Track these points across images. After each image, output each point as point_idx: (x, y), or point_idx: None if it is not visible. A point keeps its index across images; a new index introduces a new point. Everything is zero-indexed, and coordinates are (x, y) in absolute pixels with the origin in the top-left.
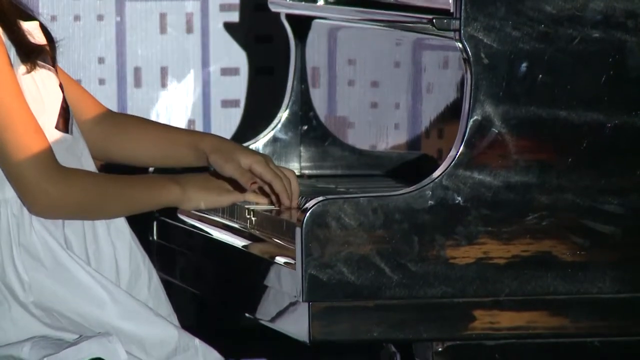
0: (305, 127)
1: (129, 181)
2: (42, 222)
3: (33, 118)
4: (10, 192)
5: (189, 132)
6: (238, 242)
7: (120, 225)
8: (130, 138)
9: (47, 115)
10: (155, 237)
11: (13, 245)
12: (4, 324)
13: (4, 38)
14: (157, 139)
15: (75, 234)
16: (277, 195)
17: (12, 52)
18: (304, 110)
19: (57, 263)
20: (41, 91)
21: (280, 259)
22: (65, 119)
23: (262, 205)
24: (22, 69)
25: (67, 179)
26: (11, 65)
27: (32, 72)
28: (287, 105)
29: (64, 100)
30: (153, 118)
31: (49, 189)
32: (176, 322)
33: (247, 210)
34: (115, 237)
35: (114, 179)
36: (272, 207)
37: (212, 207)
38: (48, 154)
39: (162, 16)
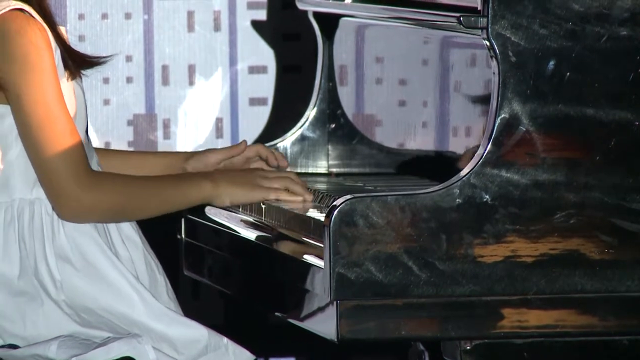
0: (333, 125)
1: (161, 181)
2: (73, 223)
3: (71, 121)
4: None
5: (158, 154)
6: (266, 240)
7: (130, 233)
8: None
9: (77, 122)
10: (183, 236)
11: (46, 244)
12: (36, 319)
13: (52, 40)
14: (123, 167)
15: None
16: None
17: (57, 55)
18: (332, 108)
19: (87, 263)
20: (77, 98)
21: (308, 258)
22: (87, 129)
23: (292, 199)
24: (64, 74)
25: (98, 184)
26: (56, 68)
27: (70, 80)
28: (315, 103)
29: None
30: (180, 117)
31: (80, 194)
32: None
33: (274, 209)
34: (128, 244)
35: (145, 180)
36: (292, 200)
37: (244, 202)
38: (82, 158)
39: (190, 14)
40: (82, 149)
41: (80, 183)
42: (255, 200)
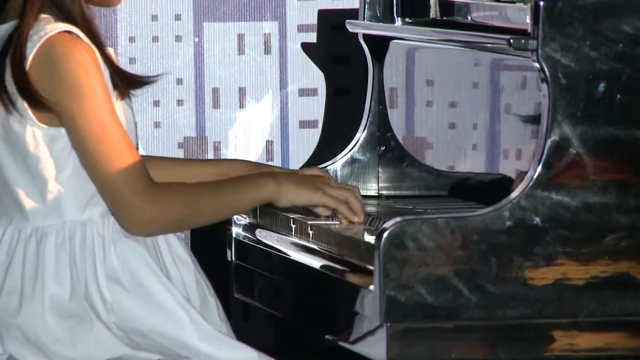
0: (383, 148)
1: (223, 185)
2: (124, 244)
3: (127, 136)
4: (97, 212)
5: (214, 162)
6: (316, 263)
7: (181, 252)
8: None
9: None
10: (233, 258)
11: (97, 265)
12: (87, 341)
13: (100, 61)
14: (181, 176)
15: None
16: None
17: (106, 75)
18: (382, 131)
19: (137, 284)
20: (127, 118)
21: (358, 280)
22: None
23: (348, 214)
24: (113, 94)
25: (161, 194)
26: (107, 86)
27: (119, 100)
28: (365, 126)
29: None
30: (231, 139)
31: (144, 206)
32: None
33: (324, 231)
34: (179, 265)
35: (207, 186)
36: (347, 214)
37: (305, 204)
38: (141, 170)
39: (240, 37)
40: (141, 162)
41: (144, 195)
42: (316, 202)
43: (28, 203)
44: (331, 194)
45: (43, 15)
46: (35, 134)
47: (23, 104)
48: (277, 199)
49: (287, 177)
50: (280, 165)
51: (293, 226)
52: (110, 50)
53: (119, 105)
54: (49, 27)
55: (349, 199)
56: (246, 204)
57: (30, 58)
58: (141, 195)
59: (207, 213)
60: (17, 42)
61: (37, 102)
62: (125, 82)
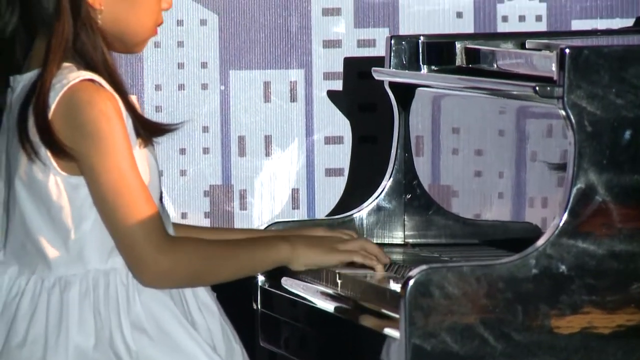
0: (409, 196)
1: (238, 245)
2: (148, 292)
3: (145, 188)
4: (119, 261)
5: (245, 233)
6: (342, 311)
7: (207, 300)
8: None
9: (150, 190)
10: (259, 307)
11: (121, 314)
12: None
13: (122, 109)
14: None
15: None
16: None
17: (129, 123)
18: (408, 178)
19: (162, 332)
20: (150, 166)
21: (384, 329)
22: (161, 197)
23: (368, 262)
24: (136, 142)
25: (177, 248)
26: (128, 136)
27: (142, 147)
28: (391, 173)
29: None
30: (257, 187)
31: (159, 258)
32: None
33: (350, 280)
34: (205, 312)
35: (222, 245)
36: (368, 262)
37: (320, 266)
38: (158, 224)
39: (266, 85)
40: (157, 214)
41: (159, 248)
42: (331, 263)
43: (51, 252)
44: (344, 249)
45: (65, 64)
46: (58, 182)
47: (46, 153)
48: (291, 262)
49: (302, 240)
50: (306, 214)
51: (320, 274)
52: (132, 98)
53: (142, 153)
54: (71, 76)
55: (364, 246)
56: (262, 266)
57: (53, 107)
58: (157, 247)
59: (221, 271)
60: (40, 90)
61: (60, 151)
62: (148, 130)
